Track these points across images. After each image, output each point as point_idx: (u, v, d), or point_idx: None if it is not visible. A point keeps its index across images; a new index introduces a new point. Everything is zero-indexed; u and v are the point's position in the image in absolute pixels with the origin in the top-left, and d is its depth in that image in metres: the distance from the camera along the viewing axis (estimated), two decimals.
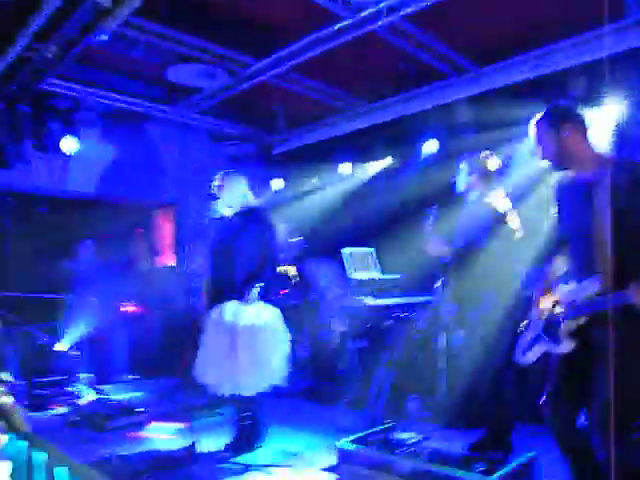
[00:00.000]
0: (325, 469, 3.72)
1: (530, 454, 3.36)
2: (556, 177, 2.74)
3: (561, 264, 2.72)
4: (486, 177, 3.66)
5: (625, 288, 2.20)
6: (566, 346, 2.49)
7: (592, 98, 4.77)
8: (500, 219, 3.44)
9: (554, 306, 2.61)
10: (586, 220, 2.43)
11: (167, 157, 7.36)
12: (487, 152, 3.76)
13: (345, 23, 4.48)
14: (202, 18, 4.63)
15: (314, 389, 5.67)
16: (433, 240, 3.62)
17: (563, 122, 2.50)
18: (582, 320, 2.44)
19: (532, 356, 2.69)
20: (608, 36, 4.55)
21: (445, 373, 4.57)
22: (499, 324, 3.36)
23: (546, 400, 2.64)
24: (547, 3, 4.27)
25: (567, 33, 4.72)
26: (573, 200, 2.57)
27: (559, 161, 2.56)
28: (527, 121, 2.69)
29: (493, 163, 3.67)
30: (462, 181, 3.74)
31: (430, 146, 5.81)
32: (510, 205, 3.54)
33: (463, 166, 3.73)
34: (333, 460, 3.66)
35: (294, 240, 6.34)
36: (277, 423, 4.36)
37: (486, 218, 3.47)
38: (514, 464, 3.23)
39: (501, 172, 3.81)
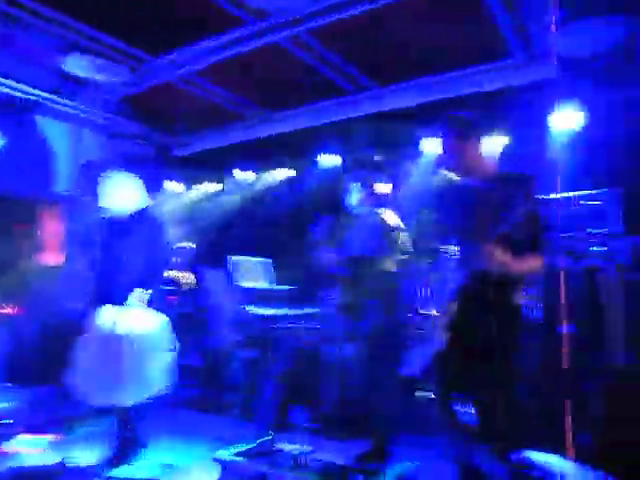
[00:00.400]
0: None
1: (409, 464, 3.48)
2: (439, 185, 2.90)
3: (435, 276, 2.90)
4: (376, 196, 3.77)
5: None
6: (441, 341, 2.62)
7: (484, 125, 5.08)
8: (390, 233, 3.55)
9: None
10: (473, 224, 2.62)
11: (58, 151, 6.93)
12: (378, 175, 3.88)
13: (250, 30, 4.47)
14: (105, 11, 4.41)
15: (202, 399, 5.52)
16: (322, 250, 3.66)
17: (470, 134, 2.71)
18: (451, 311, 2.60)
19: (419, 367, 2.80)
20: (496, 71, 4.92)
21: (333, 384, 4.65)
22: (386, 336, 3.45)
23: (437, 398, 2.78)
24: (447, 34, 4.50)
25: (465, 63, 5.02)
26: (464, 206, 2.74)
27: (464, 171, 2.73)
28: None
29: (383, 185, 3.80)
30: (354, 197, 3.82)
31: (328, 159, 5.91)
32: (400, 222, 3.67)
33: (355, 184, 3.82)
34: (215, 473, 3.58)
35: (186, 246, 6.18)
36: (157, 435, 4.19)
37: (377, 230, 3.56)
38: (391, 472, 3.33)
39: (391, 193, 3.94)
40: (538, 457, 1.92)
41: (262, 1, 4.15)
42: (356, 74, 5.30)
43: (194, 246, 6.30)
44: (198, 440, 4.37)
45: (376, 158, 3.93)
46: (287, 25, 4.33)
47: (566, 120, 4.62)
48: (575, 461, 2.36)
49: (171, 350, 3.83)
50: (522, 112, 4.94)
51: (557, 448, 2.71)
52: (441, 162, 2.79)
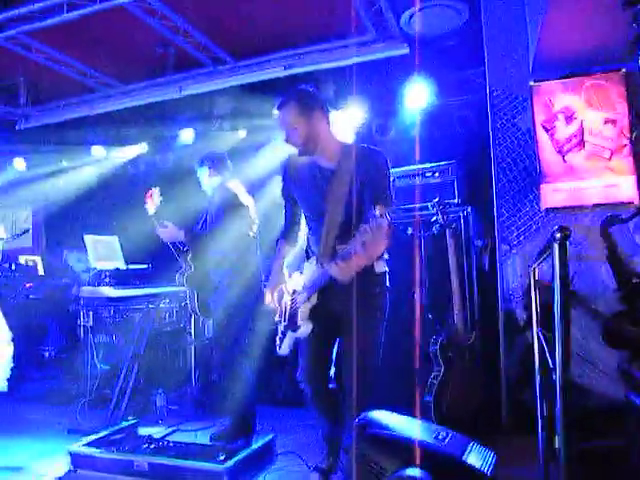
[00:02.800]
0: (57, 478, 3.33)
1: (269, 436, 3.51)
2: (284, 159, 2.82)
3: (290, 251, 2.86)
4: (223, 170, 3.70)
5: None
6: (306, 330, 2.59)
7: (337, 101, 5.20)
8: (240, 206, 3.50)
9: (293, 294, 2.74)
10: (323, 203, 2.57)
11: None
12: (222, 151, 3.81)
13: None
14: None
15: (56, 391, 5.14)
16: (162, 225, 3.52)
17: (313, 108, 2.55)
18: (314, 300, 2.57)
19: (286, 347, 2.75)
20: (351, 48, 5.01)
21: (194, 364, 4.56)
22: (237, 312, 3.42)
23: (301, 378, 2.78)
24: (302, 10, 4.48)
25: (320, 38, 5.04)
26: (312, 184, 2.64)
27: (307, 147, 2.56)
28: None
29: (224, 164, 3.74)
30: (202, 176, 3.73)
31: (186, 134, 5.71)
32: (250, 197, 3.63)
33: (201, 166, 3.72)
34: (67, 467, 3.35)
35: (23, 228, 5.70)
36: (2, 435, 3.86)
37: (226, 202, 3.49)
38: (253, 447, 3.33)
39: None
40: (382, 416, 1.99)
41: None
42: (212, 47, 5.12)
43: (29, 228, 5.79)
44: (45, 435, 4.05)
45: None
46: None
47: (417, 96, 4.83)
48: (421, 418, 2.48)
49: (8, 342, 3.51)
50: (376, 87, 5.11)
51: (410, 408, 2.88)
52: (286, 137, 2.60)
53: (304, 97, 2.59)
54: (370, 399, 2.47)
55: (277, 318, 2.82)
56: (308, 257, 2.77)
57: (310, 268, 2.63)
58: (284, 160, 2.81)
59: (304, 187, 2.70)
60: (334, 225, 2.53)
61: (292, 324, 2.67)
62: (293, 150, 2.65)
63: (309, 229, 2.80)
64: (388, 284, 2.66)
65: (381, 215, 2.03)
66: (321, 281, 2.49)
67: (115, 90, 5.96)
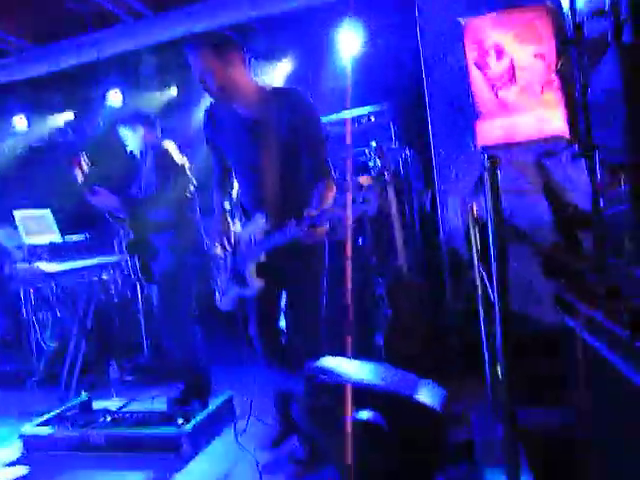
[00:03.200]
0: (10, 464, 3.22)
1: (225, 395, 3.51)
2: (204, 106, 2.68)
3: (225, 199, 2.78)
4: (153, 129, 3.54)
5: (287, 223, 2.26)
6: (255, 287, 2.51)
7: (270, 52, 5.05)
8: (175, 166, 3.37)
9: (234, 248, 2.66)
10: (252, 156, 2.48)
11: None
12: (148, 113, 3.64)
13: None
14: None
15: (4, 374, 4.96)
16: (94, 191, 3.35)
17: (230, 52, 2.36)
18: (262, 258, 2.49)
19: (229, 302, 2.70)
20: None
21: (144, 332, 4.49)
22: (181, 274, 3.35)
23: (253, 334, 2.78)
24: None
25: None
26: (236, 135, 2.53)
27: (224, 94, 2.38)
28: None
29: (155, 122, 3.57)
30: (131, 136, 3.54)
31: (114, 97, 5.44)
32: (184, 157, 3.50)
33: (130, 126, 3.53)
34: (19, 451, 3.27)
35: None
36: None
37: (161, 163, 3.35)
38: (210, 408, 3.33)
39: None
40: (330, 363, 2.00)
41: None
42: (130, 0, 4.84)
43: None
44: (1, 421, 3.93)
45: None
46: None
47: (349, 42, 4.73)
48: (372, 360, 2.51)
49: None
50: (308, 35, 4.97)
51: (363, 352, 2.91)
52: (201, 84, 2.38)
53: (218, 39, 2.41)
54: (319, 348, 2.50)
55: (219, 266, 2.75)
56: (243, 212, 2.71)
57: (257, 225, 2.49)
58: (205, 109, 2.66)
59: (228, 138, 2.58)
60: (274, 181, 2.45)
61: (238, 280, 2.59)
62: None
63: (239, 183, 2.71)
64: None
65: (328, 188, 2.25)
66: (281, 240, 2.36)
67: (31, 54, 5.59)
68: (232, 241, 2.67)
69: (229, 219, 2.74)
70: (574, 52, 1.49)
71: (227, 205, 2.76)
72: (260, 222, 2.47)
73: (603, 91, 1.30)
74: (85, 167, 3.36)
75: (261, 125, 2.45)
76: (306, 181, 2.50)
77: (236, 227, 2.73)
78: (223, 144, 2.64)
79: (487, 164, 1.31)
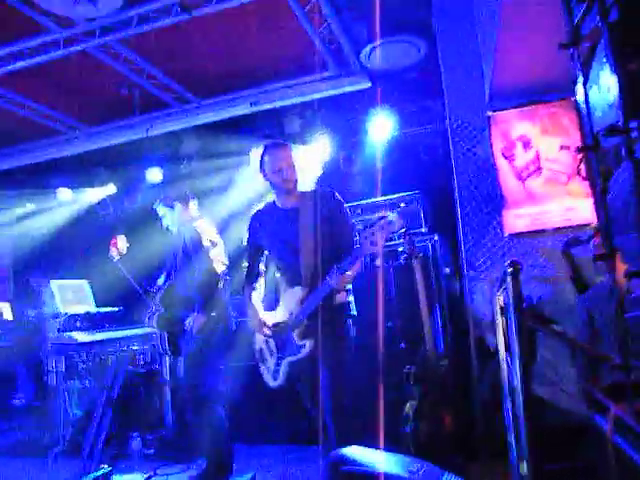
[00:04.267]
0: None
1: (249, 475, 3.47)
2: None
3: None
4: (190, 209, 3.71)
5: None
6: (306, 347, 2.77)
7: (303, 136, 5.31)
8: (209, 245, 3.50)
9: (275, 327, 2.93)
10: (294, 239, 2.86)
11: None
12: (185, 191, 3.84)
13: (53, 37, 4.18)
14: None
15: (24, 442, 4.97)
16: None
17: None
18: (305, 322, 2.78)
19: (282, 377, 2.89)
20: (314, 83, 5.14)
21: (169, 406, 4.49)
22: (208, 351, 3.40)
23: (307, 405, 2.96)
24: (266, 48, 4.60)
25: (283, 75, 5.16)
26: (280, 226, 2.94)
27: (294, 184, 2.91)
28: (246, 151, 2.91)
29: (191, 203, 3.76)
30: (169, 215, 3.72)
31: (154, 174, 5.72)
32: (216, 233, 3.65)
33: (168, 205, 3.72)
34: None
35: None
36: None
37: (195, 241, 3.49)
38: None
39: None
40: (355, 452, 2.00)
41: (65, 8, 3.90)
42: (177, 87, 5.20)
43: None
44: None
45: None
46: (94, 34, 4.12)
47: (380, 128, 4.95)
48: (397, 452, 2.49)
49: None
50: (340, 121, 5.23)
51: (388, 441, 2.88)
52: (285, 175, 2.90)
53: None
54: (349, 433, 2.56)
55: (264, 355, 3.00)
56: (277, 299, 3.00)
57: (295, 295, 2.83)
58: (254, 214, 3.11)
59: (272, 230, 2.99)
60: (310, 258, 2.81)
61: (289, 349, 2.84)
62: (260, 194, 2.93)
63: (279, 267, 3.04)
64: (355, 312, 2.94)
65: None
66: (317, 300, 2.72)
67: (81, 132, 5.97)
68: (268, 324, 2.95)
69: (261, 306, 3.06)
70: (592, 158, 1.58)
71: (255, 296, 3.09)
72: (298, 292, 2.81)
73: (620, 199, 1.37)
74: (123, 247, 3.51)
75: (301, 215, 2.87)
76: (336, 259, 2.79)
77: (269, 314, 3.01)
78: (266, 237, 3.03)
79: (509, 269, 1.37)
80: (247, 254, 3.16)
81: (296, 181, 2.92)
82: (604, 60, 1.44)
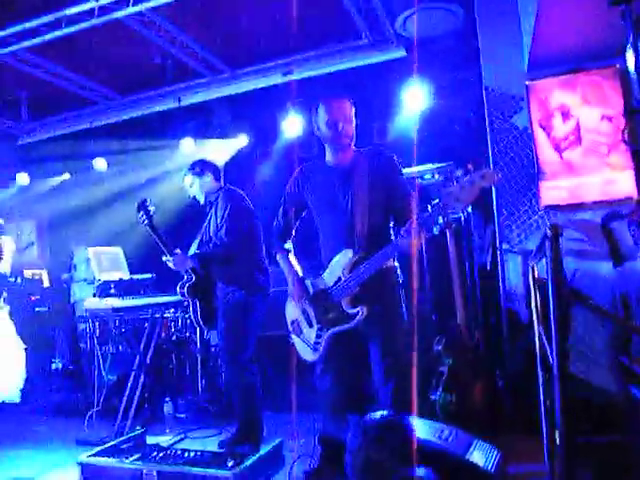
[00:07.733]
0: None
1: (276, 441, 3.52)
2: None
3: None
4: (218, 177, 3.70)
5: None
6: (359, 315, 2.59)
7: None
8: (248, 209, 3.51)
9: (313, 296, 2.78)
10: (343, 201, 2.72)
11: None
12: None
13: (88, 6, 4.19)
14: None
15: (61, 403, 5.15)
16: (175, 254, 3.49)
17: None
18: (357, 290, 2.61)
19: (322, 347, 2.74)
20: (348, 52, 5.05)
21: (200, 372, 4.57)
22: (243, 320, 3.43)
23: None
24: (298, 17, 4.53)
25: (316, 44, 5.08)
26: (328, 185, 2.78)
27: (350, 141, 2.72)
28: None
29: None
30: (197, 190, 3.68)
31: (186, 144, 5.74)
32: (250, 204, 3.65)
33: (190, 175, 3.68)
34: (77, 477, 3.38)
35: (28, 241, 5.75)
36: (8, 445, 3.88)
37: (234, 205, 3.46)
38: (261, 453, 3.35)
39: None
40: (387, 417, 2.01)
41: None
42: (210, 57, 5.18)
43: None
44: (56, 446, 4.07)
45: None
46: (128, 2, 4.12)
47: (415, 98, 4.86)
48: (427, 417, 2.49)
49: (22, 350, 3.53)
50: (374, 90, 5.14)
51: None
52: (340, 129, 2.66)
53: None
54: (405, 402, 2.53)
55: (300, 326, 2.85)
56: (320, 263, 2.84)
57: (344, 259, 2.65)
58: (300, 167, 2.95)
59: (319, 189, 2.83)
60: (363, 221, 2.65)
61: (337, 318, 2.67)
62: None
63: (323, 228, 2.86)
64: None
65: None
66: (373, 268, 2.55)
67: (115, 102, 6.03)
68: (308, 289, 2.81)
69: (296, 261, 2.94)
70: None
71: (292, 258, 2.96)
72: (348, 255, 2.64)
73: None
74: (150, 210, 3.50)
75: (355, 174, 2.72)
76: (389, 222, 2.75)
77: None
78: (312, 195, 2.86)
79: (549, 233, 1.33)
80: (282, 210, 2.97)
81: (352, 137, 2.73)
82: None
